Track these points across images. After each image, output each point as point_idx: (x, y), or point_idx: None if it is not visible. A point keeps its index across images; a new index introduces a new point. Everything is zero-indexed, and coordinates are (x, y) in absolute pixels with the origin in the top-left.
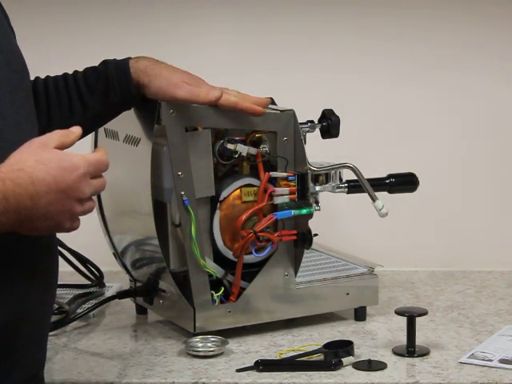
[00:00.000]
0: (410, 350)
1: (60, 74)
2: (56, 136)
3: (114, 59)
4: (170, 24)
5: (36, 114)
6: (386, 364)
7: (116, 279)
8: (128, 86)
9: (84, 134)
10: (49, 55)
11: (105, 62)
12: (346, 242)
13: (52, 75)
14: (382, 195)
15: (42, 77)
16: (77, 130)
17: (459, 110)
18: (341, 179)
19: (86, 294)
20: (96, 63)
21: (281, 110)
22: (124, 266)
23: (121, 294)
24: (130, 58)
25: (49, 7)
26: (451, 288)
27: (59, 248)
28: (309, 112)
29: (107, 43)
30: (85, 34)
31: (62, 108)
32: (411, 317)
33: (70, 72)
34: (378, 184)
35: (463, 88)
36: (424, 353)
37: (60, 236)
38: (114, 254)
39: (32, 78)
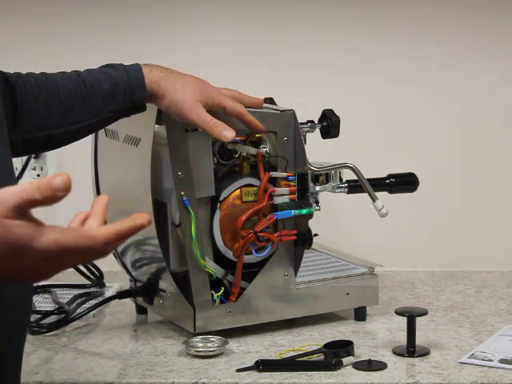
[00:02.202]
0: (410, 349)
1: (60, 69)
2: (13, 198)
3: (122, 65)
4: (169, 21)
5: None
6: (386, 364)
7: (116, 279)
8: (141, 96)
9: (82, 137)
10: (47, 51)
11: (114, 67)
12: (346, 242)
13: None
14: (382, 195)
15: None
16: (60, 179)
17: (459, 110)
18: (341, 179)
19: (86, 293)
20: (95, 59)
21: (281, 110)
22: (124, 265)
23: (121, 294)
24: (141, 66)
25: (44, 4)
26: (451, 288)
27: None
28: (309, 112)
29: (107, 39)
30: (84, 29)
31: (74, 113)
32: (411, 317)
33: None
34: (378, 184)
35: (463, 88)
36: (424, 353)
37: None
38: (113, 253)
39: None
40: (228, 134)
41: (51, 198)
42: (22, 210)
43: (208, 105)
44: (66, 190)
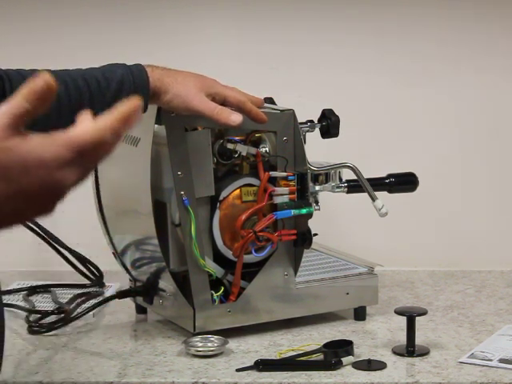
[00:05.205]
0: (410, 349)
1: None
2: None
3: (125, 64)
4: (169, 20)
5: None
6: (385, 364)
7: (116, 279)
8: (144, 96)
9: None
10: (43, 51)
11: (118, 66)
12: (346, 242)
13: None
14: (382, 195)
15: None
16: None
17: (459, 110)
18: (341, 179)
19: (86, 293)
20: (92, 57)
21: (281, 110)
22: (124, 265)
23: (121, 294)
24: (143, 66)
25: (39, 3)
26: (451, 288)
27: (59, 247)
28: (309, 112)
29: (105, 37)
30: (81, 25)
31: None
32: (411, 316)
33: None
34: (378, 184)
35: (463, 88)
36: (424, 352)
37: (60, 235)
38: (113, 253)
39: None
40: (235, 117)
41: (40, 102)
42: (18, 126)
43: (210, 95)
44: (50, 88)
